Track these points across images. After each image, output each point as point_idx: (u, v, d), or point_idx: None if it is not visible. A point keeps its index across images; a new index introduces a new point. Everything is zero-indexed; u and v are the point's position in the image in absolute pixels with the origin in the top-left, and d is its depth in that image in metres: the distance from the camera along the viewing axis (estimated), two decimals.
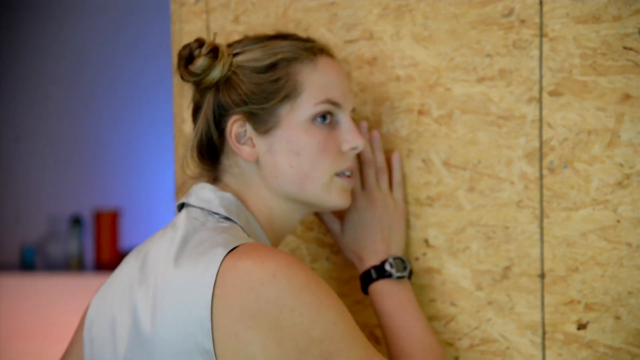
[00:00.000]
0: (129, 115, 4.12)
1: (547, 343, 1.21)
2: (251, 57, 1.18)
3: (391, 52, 1.32)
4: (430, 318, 1.30)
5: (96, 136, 4.16)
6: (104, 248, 3.80)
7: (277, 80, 1.17)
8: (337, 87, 1.20)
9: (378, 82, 1.34)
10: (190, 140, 1.21)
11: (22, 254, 3.85)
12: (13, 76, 4.19)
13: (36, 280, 3.64)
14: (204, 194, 1.17)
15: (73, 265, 3.82)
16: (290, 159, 1.17)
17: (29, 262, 3.83)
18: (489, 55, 1.24)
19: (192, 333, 1.03)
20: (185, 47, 1.18)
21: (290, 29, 1.41)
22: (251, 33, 1.43)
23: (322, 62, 1.20)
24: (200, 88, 1.19)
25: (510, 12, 1.22)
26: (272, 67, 1.17)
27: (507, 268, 1.23)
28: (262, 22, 1.44)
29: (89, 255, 3.94)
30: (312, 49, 1.20)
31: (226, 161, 1.20)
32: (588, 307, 1.18)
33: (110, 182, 4.14)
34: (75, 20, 4.17)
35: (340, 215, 1.34)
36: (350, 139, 1.20)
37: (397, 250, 1.29)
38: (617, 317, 1.16)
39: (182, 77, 1.18)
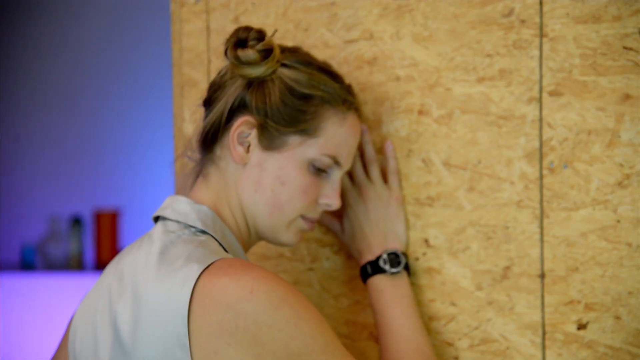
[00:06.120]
0: (129, 115, 4.12)
1: (547, 343, 1.21)
2: (295, 77, 1.18)
3: (391, 52, 1.32)
4: (430, 318, 1.30)
5: (96, 136, 4.16)
6: (104, 248, 3.80)
7: (304, 112, 1.17)
8: (348, 149, 1.22)
9: (378, 82, 1.34)
10: (208, 117, 1.20)
11: (22, 254, 3.85)
12: (13, 76, 4.19)
13: (36, 280, 3.64)
14: (180, 207, 1.17)
15: (73, 265, 3.82)
16: (274, 183, 1.18)
17: (29, 262, 3.83)
18: (489, 55, 1.24)
19: (171, 348, 1.03)
20: (246, 29, 1.18)
21: (290, 29, 1.41)
22: None
23: (350, 119, 1.21)
24: (235, 72, 1.19)
25: (510, 12, 1.22)
26: (307, 97, 1.17)
27: (507, 268, 1.23)
28: (262, 22, 1.44)
29: (89, 255, 3.94)
30: (349, 103, 1.21)
31: (219, 151, 1.20)
32: (588, 307, 1.18)
33: (110, 182, 4.14)
34: (75, 20, 4.17)
35: (338, 213, 1.35)
36: (331, 196, 1.22)
37: (395, 242, 1.29)
38: (617, 317, 1.16)
39: (225, 52, 1.18)
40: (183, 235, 1.12)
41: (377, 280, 1.26)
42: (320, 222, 1.39)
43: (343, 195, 1.31)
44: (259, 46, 1.16)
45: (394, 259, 1.27)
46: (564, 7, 1.18)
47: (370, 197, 1.30)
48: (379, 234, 1.29)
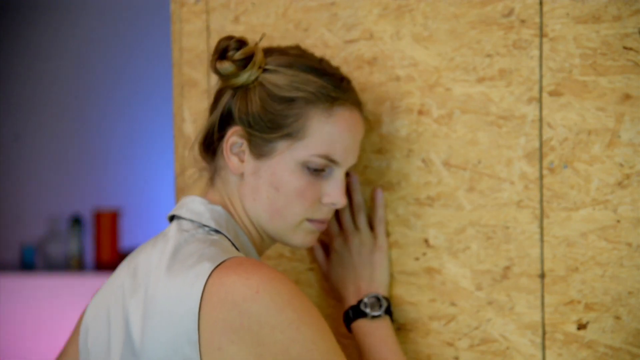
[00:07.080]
0: (129, 115, 4.12)
1: (547, 343, 1.21)
2: (275, 81, 1.16)
3: (391, 52, 1.32)
4: (430, 318, 1.30)
5: (96, 136, 4.16)
6: (104, 248, 3.80)
7: (286, 116, 1.15)
8: (342, 144, 1.18)
9: (378, 82, 1.34)
10: (204, 126, 1.21)
11: (22, 254, 3.85)
12: (13, 76, 4.19)
13: (36, 280, 3.64)
14: (194, 206, 1.18)
15: (73, 265, 3.81)
16: (269, 190, 1.17)
17: (29, 262, 3.83)
18: (489, 55, 1.24)
19: (180, 345, 1.04)
20: (226, 39, 1.17)
21: (290, 29, 1.41)
22: (251, 33, 1.43)
23: (338, 114, 1.17)
24: (222, 83, 1.19)
25: (510, 12, 1.22)
26: (288, 100, 1.16)
27: (507, 268, 1.23)
28: (262, 22, 1.44)
29: (89, 255, 3.94)
30: (333, 98, 1.17)
31: (220, 162, 1.21)
32: (588, 307, 1.18)
33: (110, 182, 4.13)
34: (75, 20, 4.17)
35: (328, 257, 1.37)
36: (334, 195, 1.19)
37: (378, 288, 1.29)
38: (617, 317, 1.16)
39: (210, 65, 1.18)
40: (197, 234, 1.13)
41: (360, 324, 1.26)
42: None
43: (329, 241, 1.32)
44: (237, 55, 1.15)
45: (375, 302, 1.26)
46: (564, 7, 1.18)
47: (355, 244, 1.31)
48: (362, 281, 1.29)
